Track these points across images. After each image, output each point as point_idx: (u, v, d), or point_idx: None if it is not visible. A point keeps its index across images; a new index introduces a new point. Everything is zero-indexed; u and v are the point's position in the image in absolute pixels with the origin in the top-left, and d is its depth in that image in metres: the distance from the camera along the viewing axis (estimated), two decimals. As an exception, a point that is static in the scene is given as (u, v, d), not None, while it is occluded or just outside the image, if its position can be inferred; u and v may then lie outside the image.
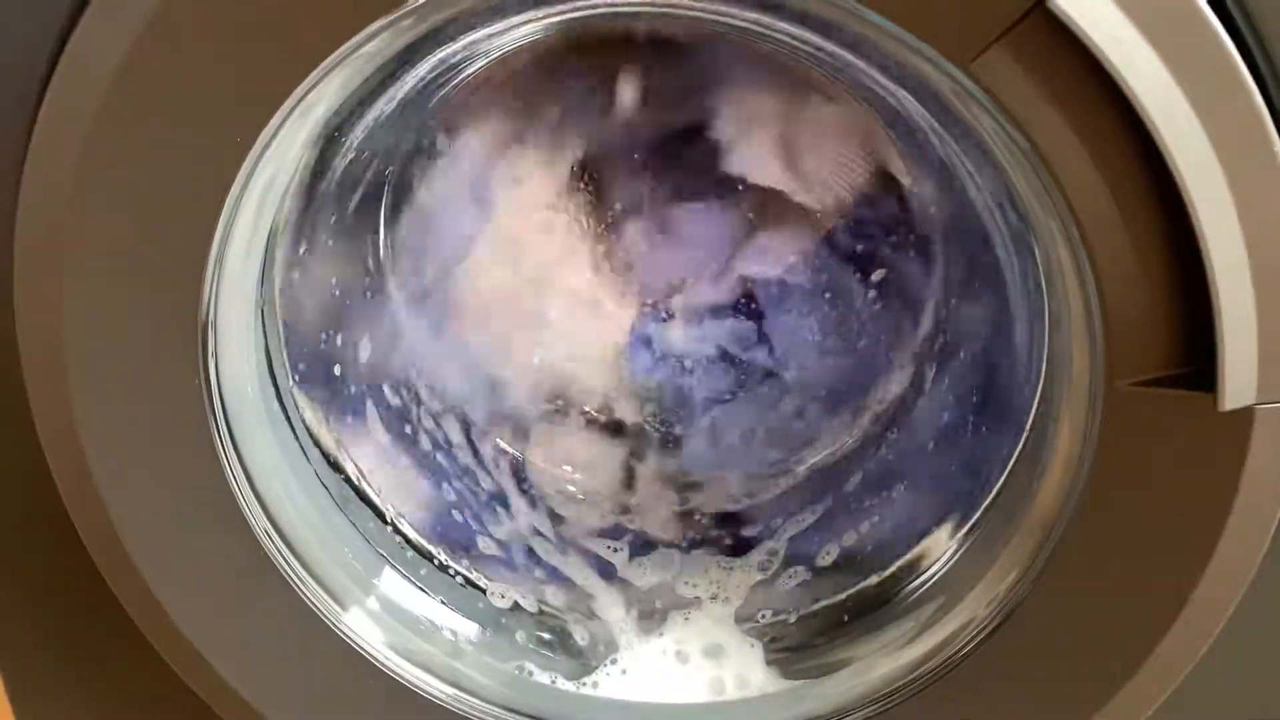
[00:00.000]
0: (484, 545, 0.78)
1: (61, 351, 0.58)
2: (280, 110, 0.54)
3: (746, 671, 0.72)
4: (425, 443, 0.80)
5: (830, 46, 0.61)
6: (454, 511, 0.78)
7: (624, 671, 0.73)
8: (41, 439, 0.60)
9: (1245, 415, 0.52)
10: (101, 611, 0.65)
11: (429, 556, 0.75)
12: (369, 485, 0.75)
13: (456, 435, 0.82)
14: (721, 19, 0.63)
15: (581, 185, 0.80)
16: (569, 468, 0.82)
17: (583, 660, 0.73)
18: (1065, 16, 0.45)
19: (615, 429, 0.84)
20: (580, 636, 0.75)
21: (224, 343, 0.61)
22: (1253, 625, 0.59)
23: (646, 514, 0.82)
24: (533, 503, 0.82)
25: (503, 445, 0.83)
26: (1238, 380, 0.51)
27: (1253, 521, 0.55)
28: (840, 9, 0.51)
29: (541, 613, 0.76)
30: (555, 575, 0.78)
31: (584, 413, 0.84)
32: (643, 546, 0.80)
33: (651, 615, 0.76)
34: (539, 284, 0.83)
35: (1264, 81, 0.48)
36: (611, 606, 0.76)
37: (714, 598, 0.77)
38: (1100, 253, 0.51)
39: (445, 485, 0.79)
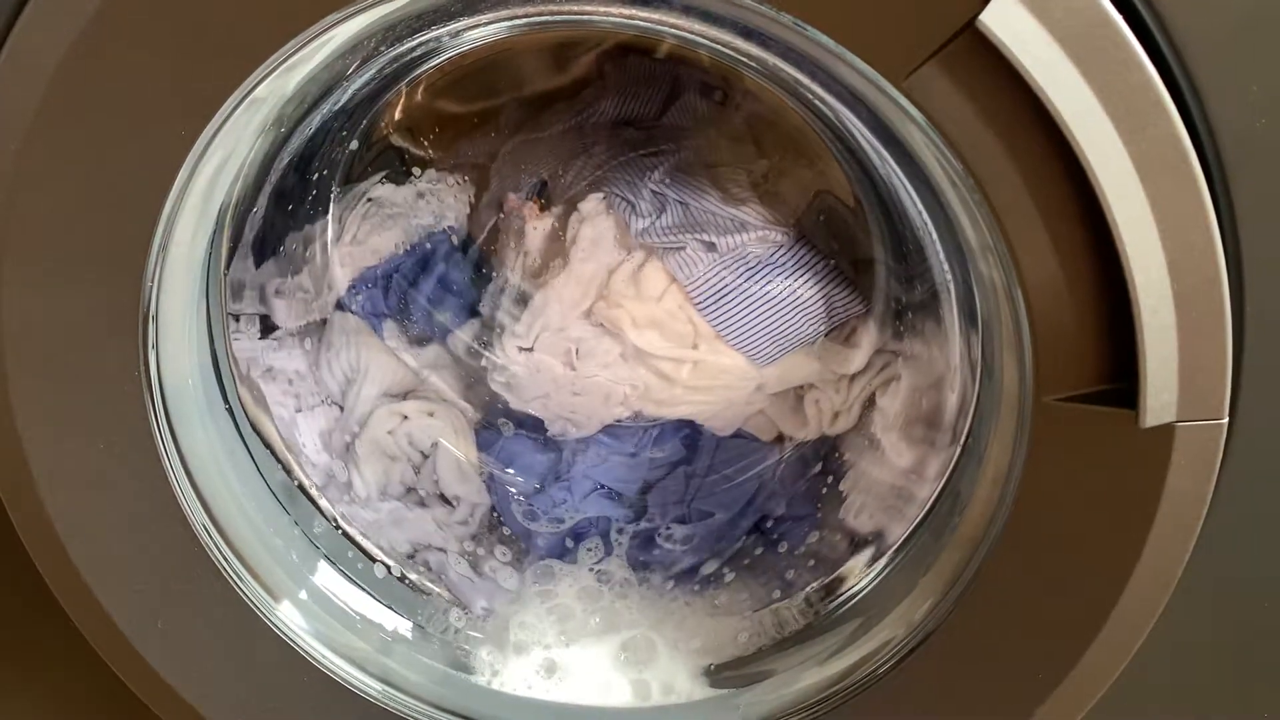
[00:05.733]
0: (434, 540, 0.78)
1: (-1, 341, 0.58)
2: (226, 104, 0.54)
3: (673, 678, 0.72)
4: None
5: (774, 60, 0.61)
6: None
7: (553, 674, 0.73)
8: (-23, 431, 0.60)
9: (1166, 432, 0.53)
10: (35, 602, 0.64)
11: (367, 553, 0.75)
12: (310, 480, 0.75)
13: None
14: (665, 29, 0.63)
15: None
16: (512, 470, 0.82)
17: (511, 659, 0.73)
18: (995, 38, 0.46)
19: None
20: (512, 638, 0.75)
21: (165, 334, 0.61)
22: (1174, 639, 0.60)
23: None
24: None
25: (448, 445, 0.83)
26: (1159, 399, 0.52)
27: (1173, 536, 0.56)
28: (782, 25, 0.51)
29: (476, 614, 0.76)
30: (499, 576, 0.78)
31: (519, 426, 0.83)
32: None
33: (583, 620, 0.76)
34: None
35: (1186, 107, 0.49)
36: (547, 614, 0.77)
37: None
38: (1028, 271, 0.52)
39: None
